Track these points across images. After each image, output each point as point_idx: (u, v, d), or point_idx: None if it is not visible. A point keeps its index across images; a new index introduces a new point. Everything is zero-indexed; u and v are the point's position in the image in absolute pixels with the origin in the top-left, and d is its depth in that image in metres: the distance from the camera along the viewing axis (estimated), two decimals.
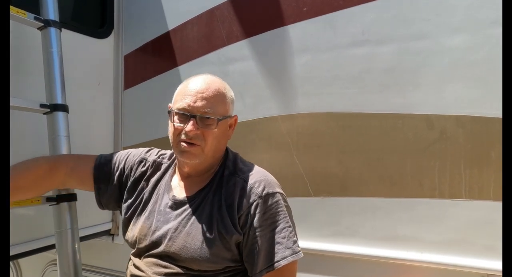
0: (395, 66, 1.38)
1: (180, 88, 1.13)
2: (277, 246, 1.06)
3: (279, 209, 1.09)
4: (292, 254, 1.06)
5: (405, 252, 1.34)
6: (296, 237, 1.10)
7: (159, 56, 1.88)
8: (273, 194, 1.09)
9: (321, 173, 1.50)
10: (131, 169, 1.24)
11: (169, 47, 1.84)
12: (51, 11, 1.42)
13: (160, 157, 1.26)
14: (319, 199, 1.50)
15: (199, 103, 1.06)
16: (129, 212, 1.20)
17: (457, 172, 1.27)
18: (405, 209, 1.35)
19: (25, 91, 1.49)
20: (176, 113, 1.08)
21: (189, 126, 1.06)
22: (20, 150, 1.31)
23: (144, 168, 1.23)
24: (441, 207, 1.30)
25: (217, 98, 1.09)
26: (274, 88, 1.61)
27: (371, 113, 1.42)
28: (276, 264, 1.04)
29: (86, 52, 1.79)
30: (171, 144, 1.14)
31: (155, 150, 1.30)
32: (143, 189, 1.21)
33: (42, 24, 1.40)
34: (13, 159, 1.21)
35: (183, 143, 1.08)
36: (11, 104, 1.31)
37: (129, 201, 1.21)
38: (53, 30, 1.41)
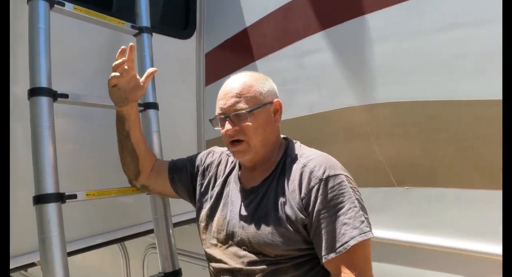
0: (496, 49, 1.23)
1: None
2: (344, 227, 1.04)
3: (342, 190, 1.07)
4: (361, 234, 1.03)
5: None
6: (365, 218, 1.07)
7: (237, 53, 1.95)
8: (334, 176, 1.08)
9: (405, 163, 1.44)
10: (201, 160, 1.39)
11: (247, 43, 1.89)
12: (145, 19, 1.56)
13: (227, 151, 1.34)
14: (403, 189, 1.45)
15: (228, 103, 1.15)
16: (204, 202, 1.30)
17: None
18: None
19: None
20: (217, 120, 1.19)
21: (226, 126, 1.15)
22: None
23: (212, 158, 1.37)
24: None
25: (244, 92, 1.15)
26: (353, 78, 1.58)
27: (463, 101, 1.31)
28: (345, 245, 1.03)
29: (171, 52, 1.92)
30: None
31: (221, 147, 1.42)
32: (212, 177, 1.32)
33: (137, 31, 1.55)
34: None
35: (230, 145, 1.18)
36: (108, 104, 1.38)
37: (202, 189, 1.32)
38: (145, 36, 1.55)
